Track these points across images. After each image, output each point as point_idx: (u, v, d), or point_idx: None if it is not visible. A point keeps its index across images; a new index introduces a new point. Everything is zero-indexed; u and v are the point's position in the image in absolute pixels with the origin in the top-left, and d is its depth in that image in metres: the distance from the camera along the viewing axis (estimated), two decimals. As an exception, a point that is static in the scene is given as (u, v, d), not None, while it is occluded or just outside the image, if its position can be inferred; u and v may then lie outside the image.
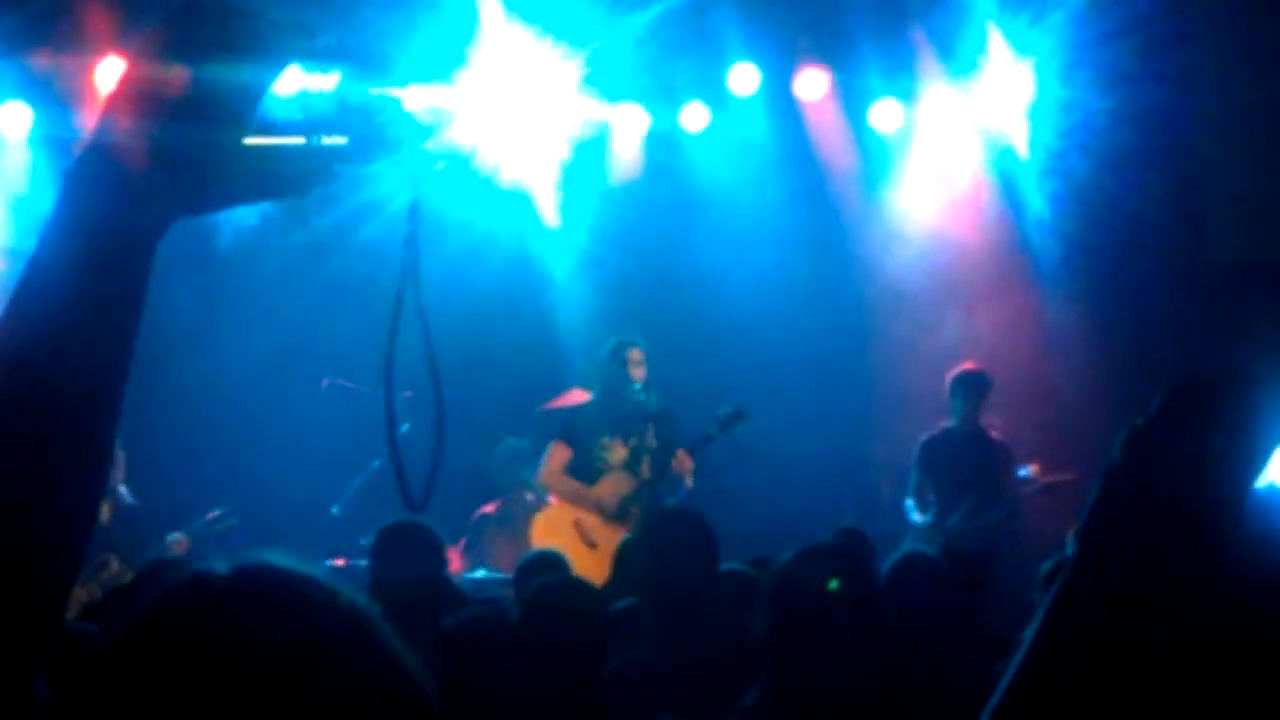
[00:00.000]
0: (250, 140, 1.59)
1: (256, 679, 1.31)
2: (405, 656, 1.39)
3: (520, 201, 10.89)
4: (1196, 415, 1.55)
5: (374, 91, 1.71)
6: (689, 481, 9.58)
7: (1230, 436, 1.54)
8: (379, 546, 6.20)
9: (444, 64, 1.78)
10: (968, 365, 10.29)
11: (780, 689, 3.92)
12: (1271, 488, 1.66)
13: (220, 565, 1.38)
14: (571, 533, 9.46)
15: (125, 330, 1.53)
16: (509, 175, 10.45)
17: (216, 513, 9.93)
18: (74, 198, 1.55)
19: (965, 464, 10.02)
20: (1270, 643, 1.97)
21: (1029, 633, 1.59)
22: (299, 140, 1.66)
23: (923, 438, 10.28)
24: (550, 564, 6.57)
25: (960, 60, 11.67)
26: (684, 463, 9.57)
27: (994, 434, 10.24)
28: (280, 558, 1.40)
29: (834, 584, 3.98)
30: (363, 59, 1.68)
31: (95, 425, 1.52)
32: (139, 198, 1.53)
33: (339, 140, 1.69)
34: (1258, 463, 1.55)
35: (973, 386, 10.14)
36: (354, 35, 1.65)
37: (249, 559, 1.40)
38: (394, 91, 1.72)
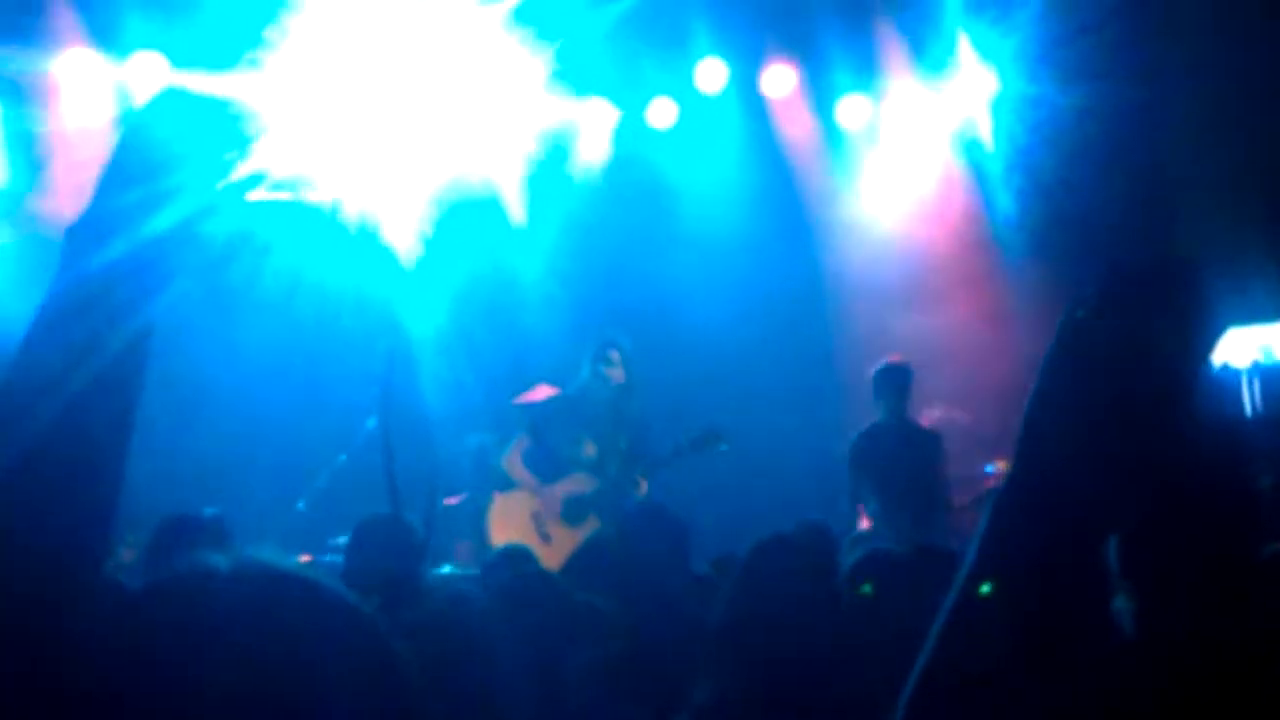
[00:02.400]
0: (254, 197, 1.69)
1: (256, 668, 1.34)
2: (396, 649, 1.43)
3: (489, 198, 10.87)
4: (1141, 299, 1.49)
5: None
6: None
7: (1178, 319, 1.48)
8: (356, 539, 6.19)
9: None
10: (890, 359, 10.09)
11: (735, 684, 3.90)
12: (1224, 368, 1.59)
13: (219, 559, 1.40)
14: (528, 524, 9.46)
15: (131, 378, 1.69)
16: (477, 172, 10.43)
17: (210, 513, 9.87)
18: (76, 260, 1.68)
19: (899, 459, 9.77)
20: (1230, 521, 1.95)
21: (970, 548, 1.53)
22: (288, 196, 1.74)
23: (852, 436, 10.03)
24: (519, 558, 6.57)
25: (927, 57, 11.71)
26: (641, 488, 9.59)
27: (924, 424, 10.12)
28: (274, 553, 1.44)
29: (867, 588, 3.97)
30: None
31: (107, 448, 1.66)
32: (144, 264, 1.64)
33: (325, 199, 1.79)
34: (1206, 346, 1.49)
35: (893, 380, 9.98)
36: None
37: (247, 553, 1.41)
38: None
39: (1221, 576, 1.98)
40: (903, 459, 9.84)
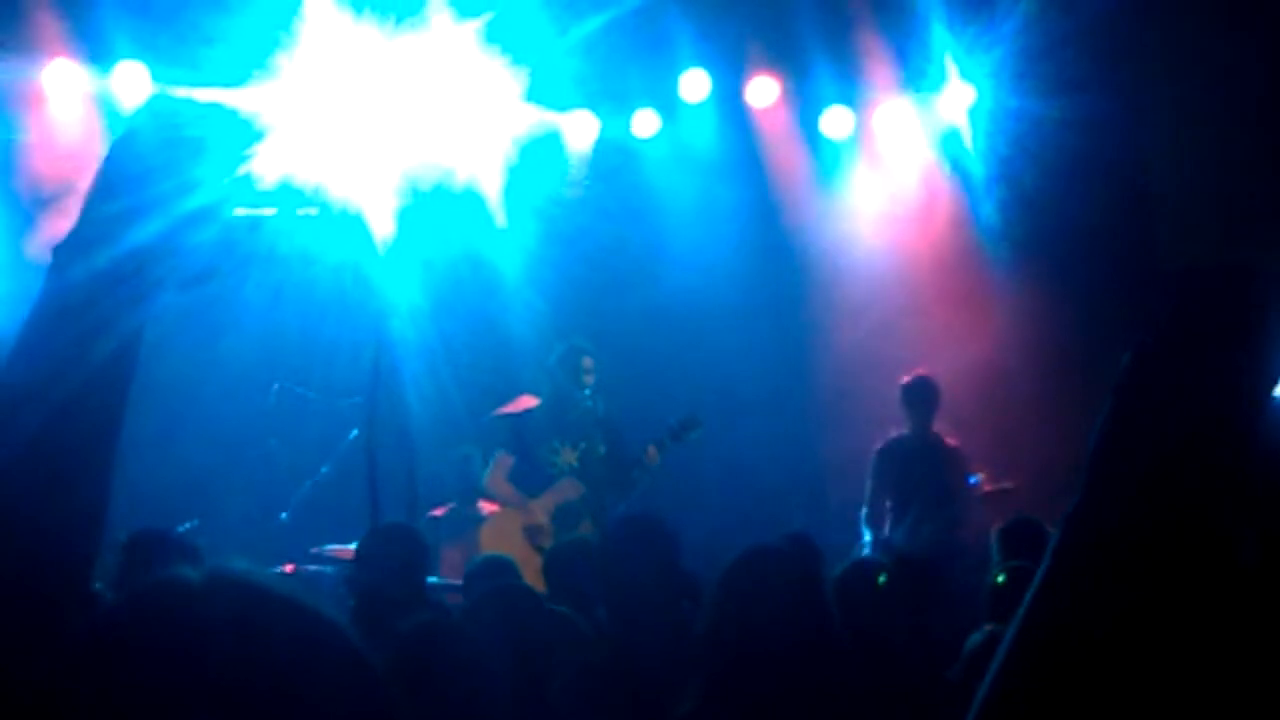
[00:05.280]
0: (239, 211, 1.70)
1: (227, 681, 1.33)
2: (371, 661, 1.42)
3: (471, 207, 10.87)
4: (1211, 325, 1.47)
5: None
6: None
7: (1251, 343, 1.46)
8: (367, 548, 6.20)
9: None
10: (917, 373, 10.30)
11: (718, 694, 3.89)
12: None
13: (190, 570, 1.40)
14: (520, 539, 9.46)
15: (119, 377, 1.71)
16: (459, 181, 10.43)
17: (189, 525, 9.86)
18: (62, 273, 1.70)
19: (916, 472, 10.02)
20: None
21: (1037, 575, 1.51)
22: (272, 211, 1.75)
23: (877, 446, 10.27)
24: (500, 569, 6.56)
25: (911, 68, 11.72)
26: (653, 457, 9.63)
27: (948, 440, 10.26)
28: (246, 564, 1.43)
29: (882, 578, 3.97)
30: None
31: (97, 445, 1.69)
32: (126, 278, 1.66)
33: (309, 212, 1.79)
34: (1273, 380, 1.47)
35: (920, 394, 10.18)
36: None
37: (219, 564, 1.41)
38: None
39: None
40: (923, 471, 9.98)
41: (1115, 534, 1.48)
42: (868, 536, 10.03)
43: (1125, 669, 1.46)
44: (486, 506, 9.97)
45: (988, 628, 5.02)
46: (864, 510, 10.22)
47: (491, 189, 10.97)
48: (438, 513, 10.29)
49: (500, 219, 11.08)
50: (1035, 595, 1.51)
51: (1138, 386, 1.49)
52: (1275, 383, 1.48)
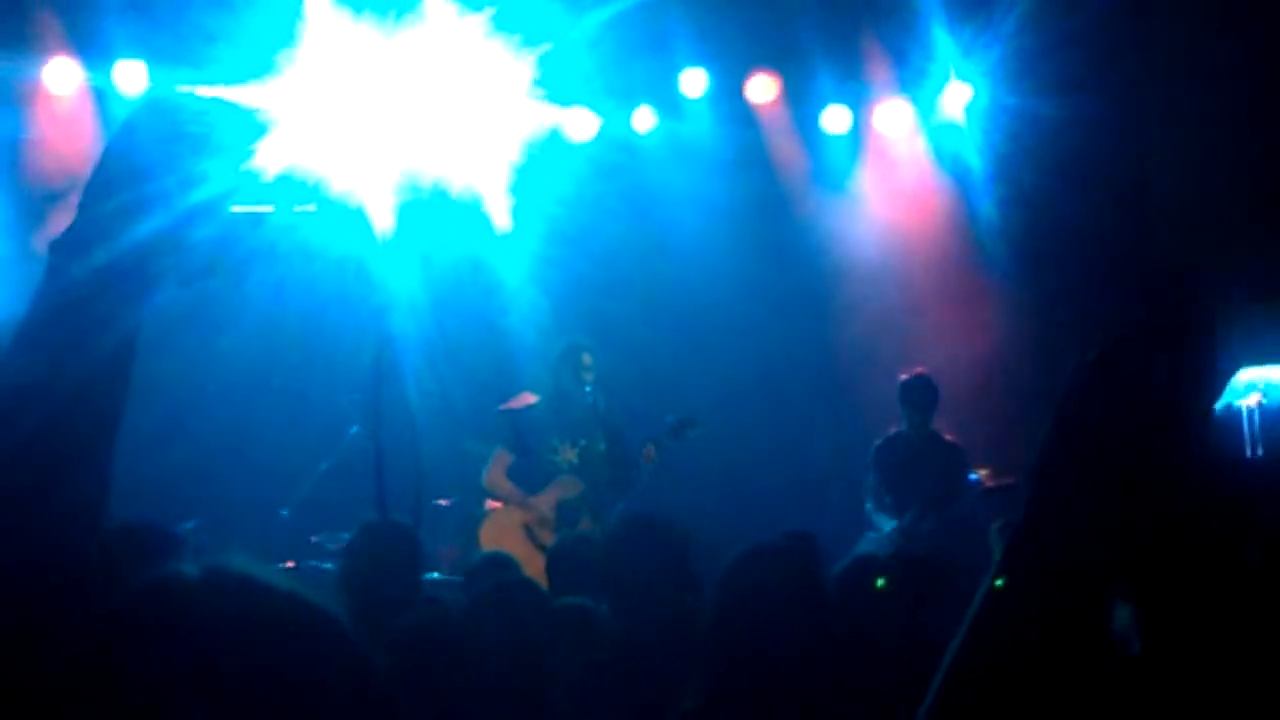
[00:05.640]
0: (240, 207, 1.70)
1: (227, 677, 1.33)
2: (370, 657, 1.42)
3: (472, 204, 10.86)
4: (1152, 345, 1.52)
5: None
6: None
7: (1187, 365, 1.50)
8: (356, 543, 6.18)
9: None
10: (916, 371, 10.34)
11: (720, 692, 3.89)
12: (1226, 408, 1.61)
13: (189, 567, 1.40)
14: (520, 536, 9.46)
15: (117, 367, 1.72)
16: (460, 179, 10.42)
17: (191, 525, 9.85)
18: (61, 270, 1.71)
19: (916, 469, 10.08)
20: (1233, 559, 1.96)
21: (985, 580, 1.55)
22: (272, 207, 1.76)
23: (876, 441, 10.33)
24: (500, 565, 6.56)
25: (911, 67, 11.72)
26: (649, 456, 9.63)
27: (948, 437, 10.29)
28: (246, 561, 1.43)
29: (880, 582, 3.96)
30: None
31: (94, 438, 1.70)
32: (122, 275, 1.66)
33: (309, 208, 1.79)
34: (1213, 391, 1.52)
35: (919, 393, 10.22)
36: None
37: (218, 561, 1.41)
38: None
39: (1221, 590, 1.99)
40: (921, 467, 10.02)
41: (1054, 540, 1.51)
42: (886, 525, 10.07)
43: (1066, 680, 1.50)
44: (488, 503, 9.97)
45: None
46: (868, 504, 10.25)
47: (492, 186, 10.96)
48: (444, 503, 10.29)
49: (501, 216, 11.07)
50: (981, 605, 1.56)
51: (1080, 399, 1.55)
52: (1217, 395, 1.53)
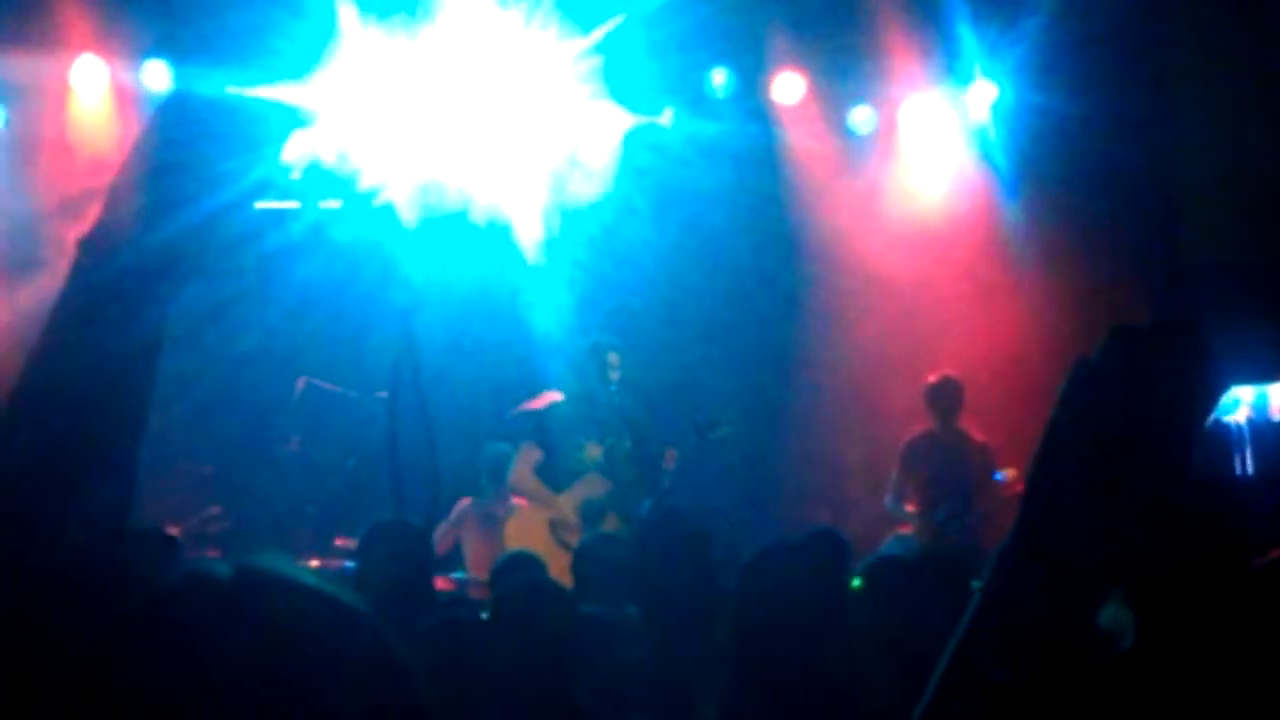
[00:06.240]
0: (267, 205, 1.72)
1: (255, 675, 1.33)
2: (403, 657, 1.41)
3: (498, 205, 10.87)
4: (1144, 360, 1.53)
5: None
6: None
7: (1179, 380, 1.52)
8: (367, 543, 6.19)
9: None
10: (942, 373, 10.39)
11: (745, 692, 3.88)
12: (1215, 423, 1.63)
13: (220, 565, 1.40)
14: (545, 535, 9.45)
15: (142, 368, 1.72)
16: (485, 178, 10.43)
17: (214, 511, 9.88)
18: (89, 267, 1.71)
19: (943, 468, 10.11)
20: (1225, 568, 1.97)
21: (979, 589, 1.57)
22: (295, 204, 1.77)
23: (906, 438, 10.38)
24: (526, 565, 6.55)
25: (936, 66, 11.70)
26: (671, 460, 9.63)
27: (976, 436, 10.30)
28: (277, 559, 1.43)
29: (857, 582, 3.95)
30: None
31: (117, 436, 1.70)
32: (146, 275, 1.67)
33: (334, 204, 1.80)
34: (1205, 407, 1.53)
35: (944, 395, 10.26)
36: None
37: (249, 559, 1.41)
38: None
39: (1214, 593, 2.00)
40: (949, 468, 10.04)
41: (1047, 552, 1.53)
42: (900, 511, 10.12)
43: (1060, 683, 1.50)
44: (513, 500, 9.97)
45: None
46: (888, 498, 10.29)
47: (519, 189, 10.96)
48: (466, 501, 10.29)
49: (529, 216, 11.07)
50: (977, 606, 1.57)
51: (1071, 409, 1.55)
52: (1213, 405, 1.54)
